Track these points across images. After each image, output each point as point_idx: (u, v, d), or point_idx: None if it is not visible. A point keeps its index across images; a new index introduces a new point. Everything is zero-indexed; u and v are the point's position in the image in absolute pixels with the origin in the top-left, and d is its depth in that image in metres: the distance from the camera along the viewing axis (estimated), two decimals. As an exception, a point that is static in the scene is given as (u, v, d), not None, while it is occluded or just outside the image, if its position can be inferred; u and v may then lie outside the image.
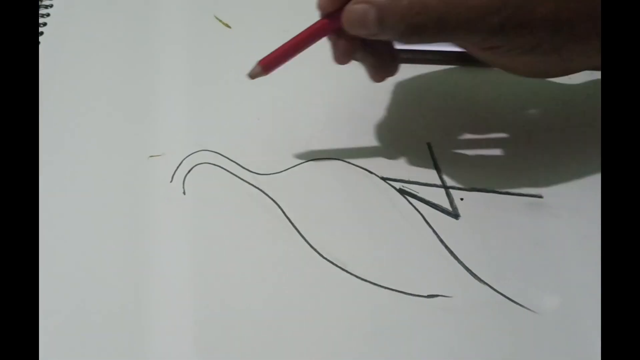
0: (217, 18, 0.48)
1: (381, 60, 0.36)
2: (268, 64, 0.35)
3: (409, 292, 0.34)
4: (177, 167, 0.39)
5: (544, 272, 0.34)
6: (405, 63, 0.41)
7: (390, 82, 0.41)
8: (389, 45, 0.37)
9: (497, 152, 0.39)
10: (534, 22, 0.32)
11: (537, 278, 0.34)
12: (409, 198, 0.38)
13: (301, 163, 0.39)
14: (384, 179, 0.38)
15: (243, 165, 0.38)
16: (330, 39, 0.35)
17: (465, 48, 0.33)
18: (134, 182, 0.38)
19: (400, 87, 0.43)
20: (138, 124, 0.41)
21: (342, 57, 0.35)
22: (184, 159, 0.39)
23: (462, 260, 0.35)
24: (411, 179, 0.38)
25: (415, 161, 0.39)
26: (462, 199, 0.38)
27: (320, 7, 0.34)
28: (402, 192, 0.38)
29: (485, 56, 0.34)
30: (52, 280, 0.34)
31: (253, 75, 0.36)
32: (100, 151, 0.40)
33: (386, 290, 0.34)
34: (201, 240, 0.36)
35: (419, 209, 0.37)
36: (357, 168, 0.39)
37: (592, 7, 0.33)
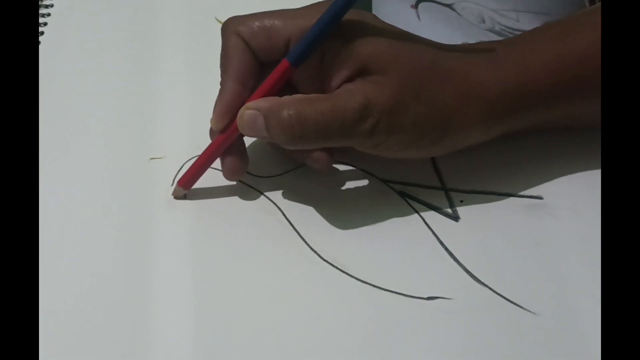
0: (217, 20, 0.48)
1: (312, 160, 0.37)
2: (186, 182, 0.37)
3: (409, 294, 0.34)
4: (179, 170, 0.39)
5: (544, 273, 0.35)
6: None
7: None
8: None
9: (496, 153, 0.39)
10: (404, 126, 0.33)
11: (537, 279, 0.34)
12: (409, 200, 0.38)
13: (302, 165, 0.39)
14: (384, 181, 0.39)
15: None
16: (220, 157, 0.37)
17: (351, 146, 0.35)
18: (135, 184, 0.38)
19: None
20: (139, 126, 0.41)
21: (230, 174, 0.37)
22: (186, 162, 0.39)
23: (462, 262, 0.35)
24: (411, 181, 0.38)
25: (415, 164, 0.39)
26: (462, 201, 0.38)
27: (214, 126, 0.36)
28: (402, 194, 0.38)
29: (372, 152, 0.35)
30: (52, 281, 0.34)
31: (177, 195, 0.38)
32: (100, 153, 0.40)
33: (386, 292, 0.34)
34: (202, 242, 0.36)
35: (419, 211, 0.37)
36: (358, 170, 0.39)
37: (467, 100, 0.34)
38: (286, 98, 0.33)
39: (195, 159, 0.37)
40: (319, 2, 0.35)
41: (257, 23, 0.35)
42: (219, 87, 0.36)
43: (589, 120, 0.37)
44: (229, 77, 0.35)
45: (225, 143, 0.36)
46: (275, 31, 0.34)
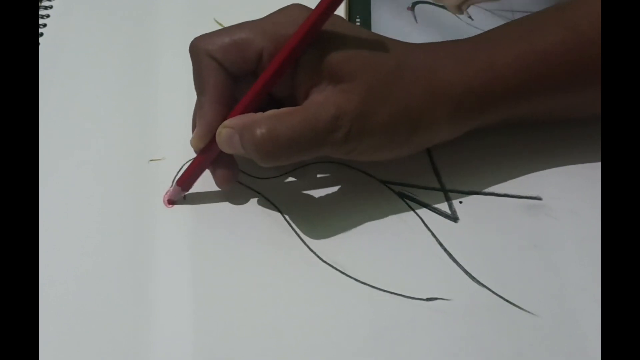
0: (216, 21, 0.48)
1: None
2: (185, 182, 0.37)
3: (409, 295, 0.34)
4: (178, 172, 0.39)
5: (544, 274, 0.35)
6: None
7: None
8: None
9: (495, 154, 0.39)
10: (374, 130, 0.34)
11: (536, 280, 0.34)
12: (408, 201, 0.38)
13: (301, 166, 0.39)
14: (383, 182, 0.39)
15: (243, 169, 0.38)
16: (209, 169, 0.37)
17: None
18: (134, 185, 0.38)
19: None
20: (138, 127, 0.41)
21: (222, 183, 0.37)
22: (185, 163, 0.39)
23: (461, 263, 0.35)
24: (410, 183, 0.38)
25: (414, 165, 0.39)
26: (461, 202, 0.38)
27: (195, 147, 0.36)
28: (401, 195, 0.38)
29: (346, 158, 0.35)
30: (52, 282, 0.34)
31: (175, 197, 0.37)
32: (100, 154, 0.40)
33: (385, 293, 0.34)
34: (201, 243, 0.36)
35: (418, 212, 0.37)
36: (357, 171, 0.39)
37: (434, 99, 0.34)
38: (259, 115, 0.33)
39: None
40: (284, 8, 0.35)
41: (226, 39, 0.34)
42: (197, 106, 0.36)
43: (561, 114, 0.38)
44: (207, 99, 0.35)
45: (205, 165, 0.37)
46: (247, 45, 0.34)
